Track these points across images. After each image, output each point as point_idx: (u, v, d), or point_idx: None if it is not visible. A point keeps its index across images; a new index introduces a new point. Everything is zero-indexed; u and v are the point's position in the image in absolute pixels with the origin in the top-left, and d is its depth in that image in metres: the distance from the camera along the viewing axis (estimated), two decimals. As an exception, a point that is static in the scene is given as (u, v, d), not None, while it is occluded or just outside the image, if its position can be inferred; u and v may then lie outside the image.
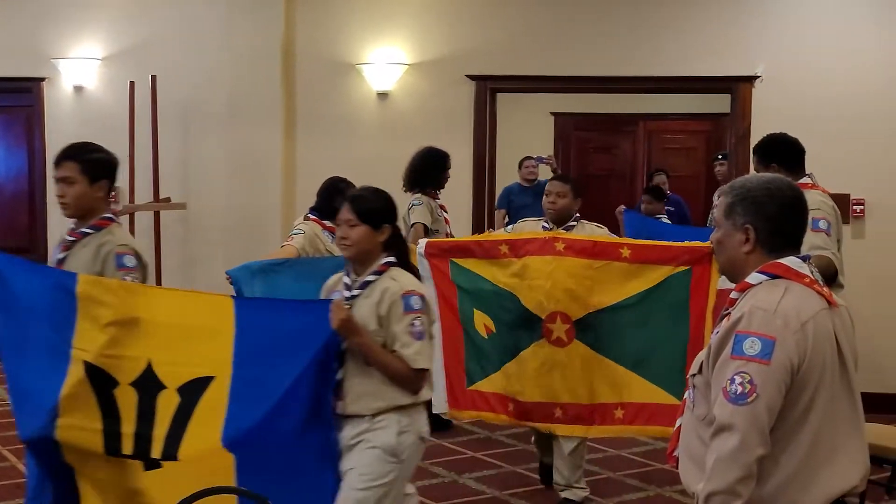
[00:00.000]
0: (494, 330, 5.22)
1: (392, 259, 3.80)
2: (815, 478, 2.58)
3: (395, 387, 3.67)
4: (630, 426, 5.12)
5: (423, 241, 5.43)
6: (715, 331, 2.69)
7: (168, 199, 8.16)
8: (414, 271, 3.91)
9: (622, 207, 7.60)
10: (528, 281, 5.12)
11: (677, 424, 2.85)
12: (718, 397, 2.56)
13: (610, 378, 5.07)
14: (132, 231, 7.95)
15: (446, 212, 6.88)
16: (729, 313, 2.67)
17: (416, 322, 3.67)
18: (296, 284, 5.08)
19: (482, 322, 5.25)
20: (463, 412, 5.42)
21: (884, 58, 7.49)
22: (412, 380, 3.69)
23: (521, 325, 5.16)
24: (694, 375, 2.74)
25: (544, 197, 5.70)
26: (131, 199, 7.99)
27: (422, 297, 3.73)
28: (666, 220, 8.11)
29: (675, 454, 2.83)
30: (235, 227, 8.22)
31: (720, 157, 8.57)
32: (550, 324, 5.08)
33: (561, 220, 5.60)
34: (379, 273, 3.76)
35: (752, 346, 2.54)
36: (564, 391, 5.11)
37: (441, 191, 6.82)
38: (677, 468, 2.81)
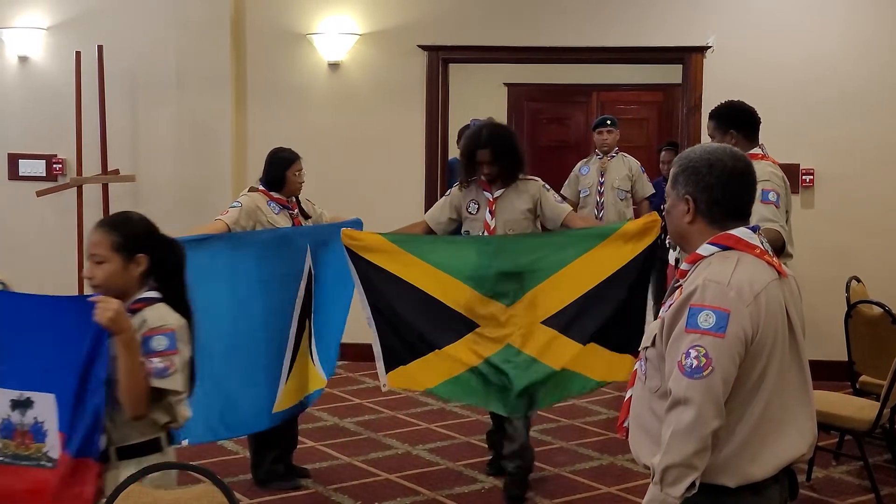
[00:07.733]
0: None
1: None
2: (764, 447, 2.60)
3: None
4: None
5: None
6: (667, 303, 2.69)
7: (117, 171, 8.04)
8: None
9: None
10: None
11: (627, 395, 2.86)
12: (674, 371, 2.57)
13: None
14: (80, 204, 7.84)
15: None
16: (681, 285, 2.67)
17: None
18: (227, 254, 5.02)
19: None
20: None
21: (834, 28, 7.55)
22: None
23: None
24: (647, 348, 2.74)
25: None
26: (79, 172, 7.86)
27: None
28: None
29: (625, 425, 2.84)
30: (186, 199, 8.12)
31: (668, 146, 8.50)
32: None
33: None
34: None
35: (706, 320, 2.54)
36: None
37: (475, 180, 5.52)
38: (627, 439, 2.83)
